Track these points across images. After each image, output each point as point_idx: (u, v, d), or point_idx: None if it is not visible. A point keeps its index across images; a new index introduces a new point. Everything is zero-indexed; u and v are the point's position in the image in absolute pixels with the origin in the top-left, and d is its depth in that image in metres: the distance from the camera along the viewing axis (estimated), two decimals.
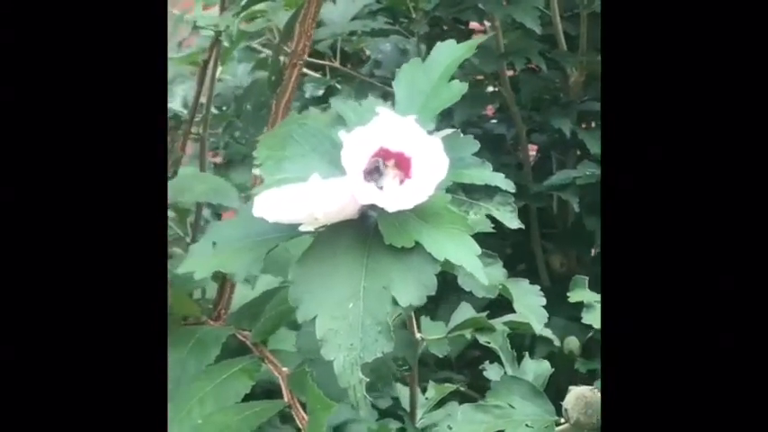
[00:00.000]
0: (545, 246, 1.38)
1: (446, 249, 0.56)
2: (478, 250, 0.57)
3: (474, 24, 1.45)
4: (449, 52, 0.65)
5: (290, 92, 0.88)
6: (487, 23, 1.36)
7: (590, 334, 1.16)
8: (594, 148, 1.25)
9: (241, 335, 0.89)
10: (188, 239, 1.24)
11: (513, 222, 0.62)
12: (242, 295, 0.97)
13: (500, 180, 0.62)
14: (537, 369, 0.79)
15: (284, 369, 0.82)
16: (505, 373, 0.78)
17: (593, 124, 1.35)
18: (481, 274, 0.56)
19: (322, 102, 1.37)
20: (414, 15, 1.35)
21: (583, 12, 1.28)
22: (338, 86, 1.37)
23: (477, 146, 0.62)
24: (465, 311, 0.82)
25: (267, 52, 1.38)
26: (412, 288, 0.56)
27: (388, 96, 1.13)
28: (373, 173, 0.58)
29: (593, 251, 1.36)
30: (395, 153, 0.58)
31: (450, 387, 0.91)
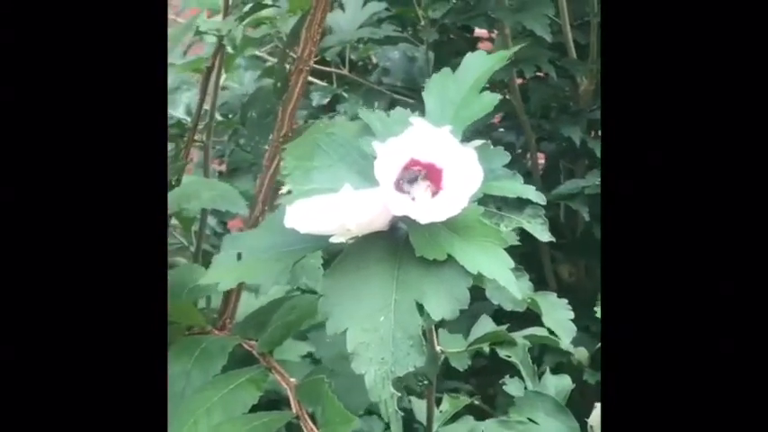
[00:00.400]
0: (553, 255, 1.37)
1: (479, 263, 0.55)
2: (512, 264, 0.56)
3: (480, 32, 1.45)
4: (480, 63, 0.63)
5: (295, 98, 0.87)
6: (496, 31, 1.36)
7: (598, 345, 1.15)
8: None
9: (247, 344, 0.87)
10: (192, 249, 1.22)
11: (543, 235, 0.61)
12: (247, 304, 0.95)
13: (531, 192, 0.60)
14: (558, 384, 0.78)
15: (292, 380, 0.80)
16: (526, 388, 0.77)
17: None
18: (515, 288, 0.55)
19: (329, 110, 1.36)
20: (422, 23, 1.34)
21: (593, 20, 1.28)
22: (345, 95, 1.36)
23: (507, 157, 0.61)
24: (485, 324, 0.81)
25: (274, 61, 1.37)
26: (444, 301, 0.55)
27: (395, 104, 1.12)
28: (404, 184, 0.57)
29: None
30: (425, 164, 0.57)
31: (465, 400, 0.90)
